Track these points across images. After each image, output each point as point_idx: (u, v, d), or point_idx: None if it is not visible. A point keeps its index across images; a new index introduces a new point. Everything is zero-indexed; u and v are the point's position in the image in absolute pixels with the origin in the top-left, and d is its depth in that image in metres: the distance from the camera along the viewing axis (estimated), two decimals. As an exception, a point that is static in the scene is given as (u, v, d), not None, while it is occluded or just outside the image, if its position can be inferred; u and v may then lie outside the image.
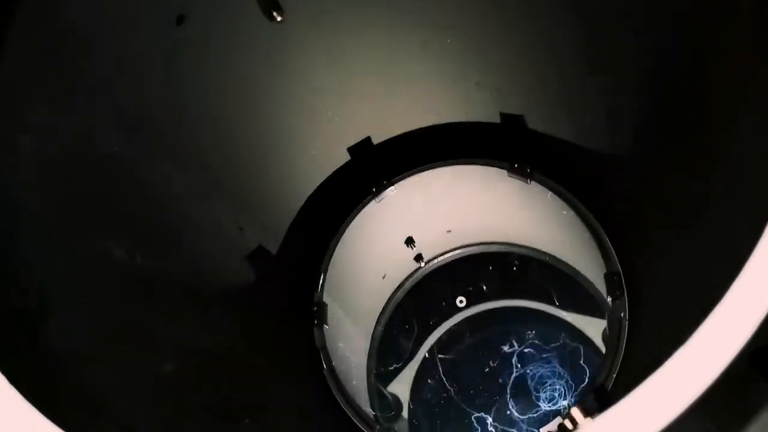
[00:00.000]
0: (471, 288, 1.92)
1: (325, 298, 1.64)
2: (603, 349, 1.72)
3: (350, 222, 1.65)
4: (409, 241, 1.85)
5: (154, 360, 1.08)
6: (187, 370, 1.15)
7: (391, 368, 1.89)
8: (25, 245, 0.92)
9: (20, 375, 0.64)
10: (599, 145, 1.33)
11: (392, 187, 1.64)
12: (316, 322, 1.61)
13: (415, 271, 1.95)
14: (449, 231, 1.88)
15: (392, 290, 1.94)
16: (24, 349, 0.83)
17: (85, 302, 0.98)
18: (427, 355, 1.89)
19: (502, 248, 1.92)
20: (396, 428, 1.78)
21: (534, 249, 1.88)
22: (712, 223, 1.01)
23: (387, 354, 1.91)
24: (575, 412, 1.21)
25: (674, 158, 1.12)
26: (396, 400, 1.85)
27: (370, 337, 1.91)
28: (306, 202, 1.53)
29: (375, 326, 1.93)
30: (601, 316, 1.74)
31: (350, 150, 1.53)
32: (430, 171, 1.62)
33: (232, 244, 1.39)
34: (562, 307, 1.84)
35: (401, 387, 1.87)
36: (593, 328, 1.78)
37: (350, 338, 1.78)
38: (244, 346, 1.37)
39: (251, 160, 1.42)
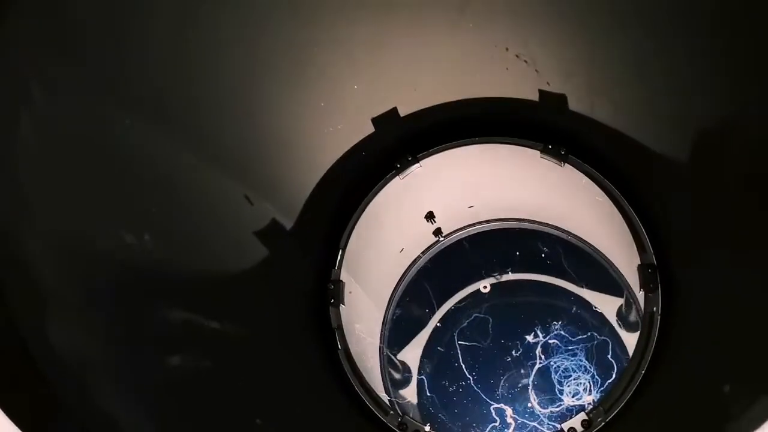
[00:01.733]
0: (490, 263, 1.87)
1: (342, 276, 1.58)
2: (619, 329, 1.72)
3: (372, 198, 1.57)
4: (430, 216, 1.79)
5: (164, 353, 1.03)
6: (198, 359, 1.11)
7: (404, 338, 1.86)
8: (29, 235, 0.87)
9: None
10: (645, 136, 1.24)
11: (417, 164, 1.55)
12: (332, 300, 1.55)
13: (434, 244, 1.89)
14: (471, 206, 1.82)
15: (409, 264, 1.89)
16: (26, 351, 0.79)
17: (89, 295, 0.93)
18: (439, 325, 1.85)
19: (525, 225, 1.85)
20: (405, 399, 1.75)
21: (560, 229, 1.81)
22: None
23: (400, 326, 1.88)
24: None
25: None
26: (405, 367, 1.83)
27: (384, 311, 1.87)
28: (325, 175, 1.46)
29: (390, 299, 1.88)
30: (619, 295, 1.71)
31: (375, 121, 1.45)
32: (458, 149, 1.53)
33: (245, 219, 1.33)
34: (582, 285, 1.78)
35: (412, 354, 1.84)
36: (610, 306, 1.74)
37: (366, 318, 1.72)
38: (256, 328, 1.33)
39: (269, 131, 1.35)
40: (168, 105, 1.12)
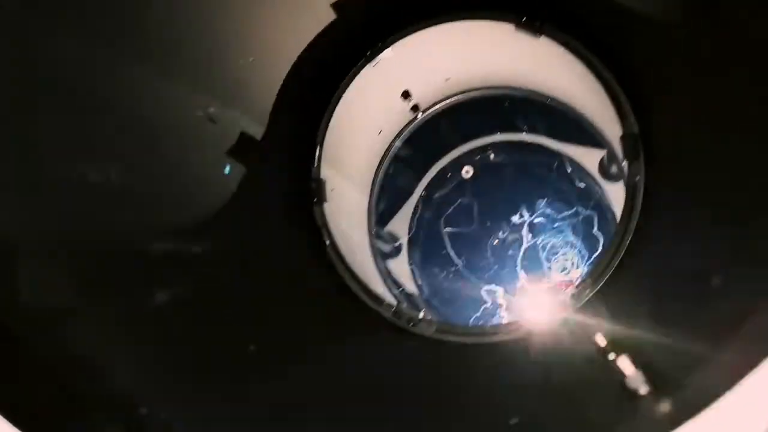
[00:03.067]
0: (469, 132, 1.88)
1: (323, 173, 1.55)
2: (600, 181, 1.73)
3: (344, 90, 1.52)
4: (406, 95, 1.76)
5: (147, 293, 1.02)
6: (185, 292, 1.09)
7: (391, 213, 1.90)
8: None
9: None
10: None
11: (388, 49, 1.48)
12: (315, 200, 1.53)
13: (412, 121, 1.87)
14: (448, 79, 1.78)
15: (388, 144, 1.89)
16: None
17: (59, 241, 0.90)
18: (424, 193, 1.88)
19: (503, 92, 1.82)
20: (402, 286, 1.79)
21: (540, 93, 1.77)
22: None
23: (386, 203, 1.90)
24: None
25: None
26: (394, 237, 1.87)
27: (368, 195, 1.88)
28: (290, 71, 1.39)
29: (372, 181, 1.89)
30: (600, 147, 1.70)
31: (335, 6, 1.36)
32: (429, 29, 1.45)
33: (212, 139, 1.27)
34: (561, 140, 1.78)
35: (399, 224, 1.89)
36: (591, 158, 1.74)
37: (351, 210, 1.71)
38: (240, 243, 1.31)
39: (224, 33, 1.27)
40: (111, 16, 1.05)
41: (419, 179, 1.89)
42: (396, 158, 1.89)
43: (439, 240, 1.79)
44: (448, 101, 1.85)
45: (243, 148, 1.32)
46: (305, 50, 1.37)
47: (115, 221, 1.03)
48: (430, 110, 1.86)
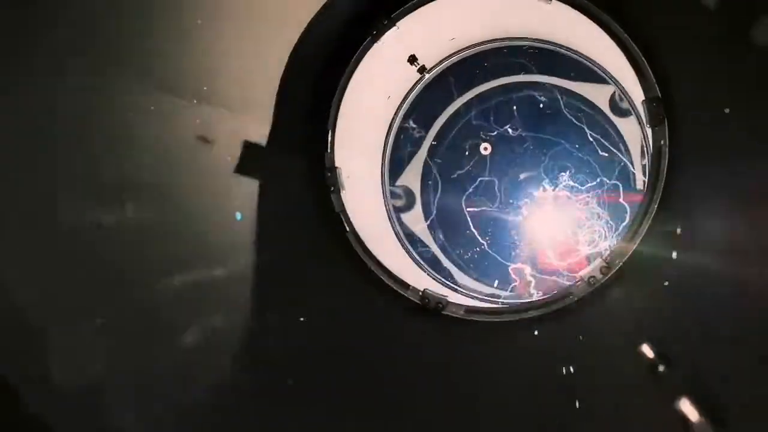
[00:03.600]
0: (475, 81, 1.85)
1: (337, 161, 1.52)
2: (612, 118, 1.69)
3: (352, 72, 1.48)
4: (412, 59, 1.74)
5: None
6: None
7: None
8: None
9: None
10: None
11: (394, 27, 1.44)
12: (332, 189, 1.51)
13: (419, 81, 1.85)
14: (453, 39, 1.75)
15: (397, 105, 1.87)
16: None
17: None
18: (434, 142, 1.87)
19: (511, 43, 1.77)
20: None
21: (547, 42, 1.72)
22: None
23: (398, 163, 1.90)
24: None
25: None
26: (407, 191, 1.87)
27: (380, 159, 1.87)
28: (288, 64, 1.36)
29: (384, 142, 1.88)
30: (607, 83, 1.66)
31: None
32: (430, 4, 1.41)
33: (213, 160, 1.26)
34: (572, 79, 1.73)
35: (412, 175, 1.88)
36: (602, 95, 1.70)
37: (368, 200, 1.69)
38: (265, 245, 1.31)
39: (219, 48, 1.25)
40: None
41: (427, 130, 1.88)
42: (405, 117, 1.88)
43: (461, 216, 1.76)
44: (454, 58, 1.82)
45: (249, 159, 1.32)
46: (303, 35, 1.34)
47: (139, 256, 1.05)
48: (436, 68, 1.83)
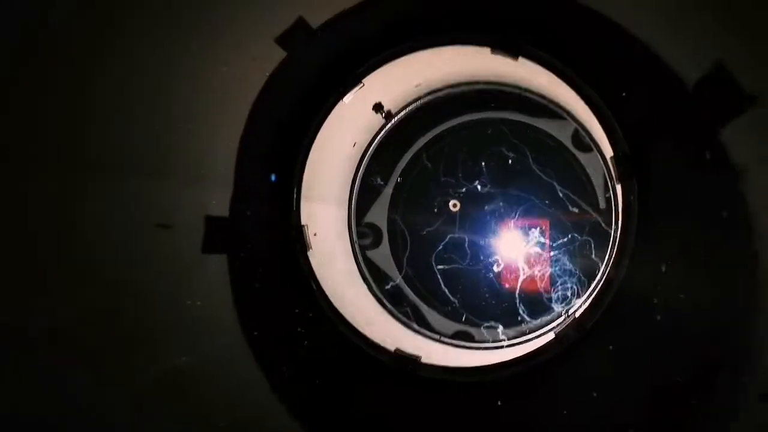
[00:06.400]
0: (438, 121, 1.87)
1: (303, 218, 1.49)
2: (575, 152, 1.72)
3: (317, 130, 1.46)
4: (378, 107, 1.72)
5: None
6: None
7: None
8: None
9: None
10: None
11: (359, 85, 1.43)
12: (299, 247, 1.47)
13: (383, 127, 1.84)
14: (418, 84, 1.74)
15: (362, 152, 1.86)
16: None
17: None
18: (399, 180, 1.87)
19: (475, 87, 1.77)
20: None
21: (511, 85, 1.71)
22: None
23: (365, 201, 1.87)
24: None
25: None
26: (374, 228, 1.86)
27: (346, 204, 1.84)
28: (244, 133, 1.32)
29: (351, 187, 1.86)
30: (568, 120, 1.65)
31: (281, 42, 1.25)
32: (400, 59, 1.39)
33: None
34: (534, 115, 1.75)
35: (377, 212, 1.88)
36: (564, 131, 1.73)
37: (335, 257, 1.66)
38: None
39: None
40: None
41: (393, 169, 1.88)
42: (370, 162, 1.87)
43: (431, 271, 1.73)
44: (419, 102, 1.81)
45: (215, 234, 1.29)
46: (256, 101, 1.29)
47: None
48: (402, 113, 1.82)
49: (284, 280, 1.47)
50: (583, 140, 1.66)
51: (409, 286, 1.81)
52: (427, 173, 1.87)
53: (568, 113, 1.62)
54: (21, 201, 1.01)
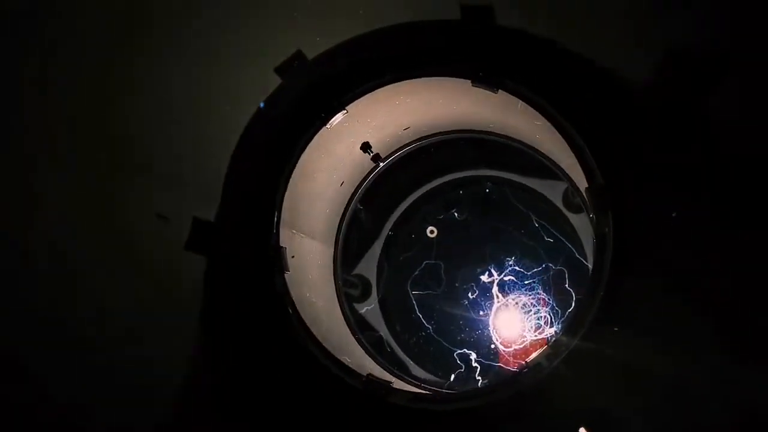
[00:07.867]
0: (430, 173, 1.90)
1: (282, 241, 1.49)
2: (565, 212, 1.76)
3: (300, 154, 1.46)
4: (366, 147, 1.73)
5: None
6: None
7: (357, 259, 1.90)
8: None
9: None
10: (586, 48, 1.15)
11: (343, 111, 1.44)
12: (275, 268, 1.46)
13: (373, 169, 1.86)
14: (407, 128, 1.76)
15: (351, 193, 1.86)
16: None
17: None
18: (391, 233, 1.89)
19: (462, 135, 1.82)
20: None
21: (498, 135, 1.77)
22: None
23: (352, 250, 1.89)
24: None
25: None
26: (364, 280, 1.86)
27: (332, 244, 1.84)
28: (239, 143, 1.35)
29: (338, 229, 1.86)
30: (562, 180, 1.70)
31: (279, 71, 1.33)
32: (383, 89, 1.42)
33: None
34: (524, 174, 1.81)
35: (367, 266, 1.89)
36: (555, 190, 1.77)
37: (314, 281, 1.65)
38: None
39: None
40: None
41: (384, 221, 1.89)
42: (359, 204, 1.88)
43: (408, 302, 1.73)
44: (408, 148, 1.84)
45: (199, 236, 1.28)
46: (252, 121, 1.34)
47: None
48: (391, 158, 1.85)
49: (259, 299, 1.46)
50: (572, 200, 1.69)
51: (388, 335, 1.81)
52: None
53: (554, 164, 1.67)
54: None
